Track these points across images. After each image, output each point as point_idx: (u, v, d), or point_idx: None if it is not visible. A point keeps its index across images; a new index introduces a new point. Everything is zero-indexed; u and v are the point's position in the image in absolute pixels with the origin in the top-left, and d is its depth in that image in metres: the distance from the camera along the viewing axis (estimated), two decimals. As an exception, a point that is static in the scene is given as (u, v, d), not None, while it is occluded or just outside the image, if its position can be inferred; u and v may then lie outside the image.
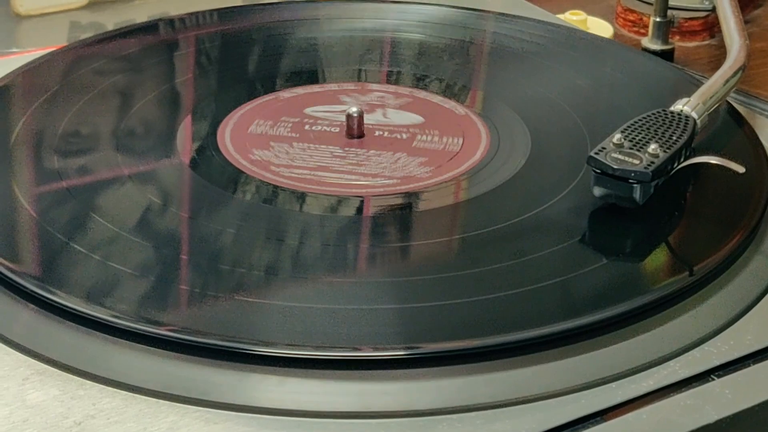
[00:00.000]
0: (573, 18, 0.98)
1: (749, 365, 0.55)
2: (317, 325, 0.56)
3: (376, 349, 0.54)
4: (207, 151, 0.72)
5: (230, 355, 0.54)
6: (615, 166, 0.63)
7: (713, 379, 0.54)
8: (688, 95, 0.72)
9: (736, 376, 0.55)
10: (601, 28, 0.99)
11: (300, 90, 0.81)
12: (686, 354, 0.56)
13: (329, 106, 0.78)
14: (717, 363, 0.55)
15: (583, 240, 0.63)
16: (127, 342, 0.54)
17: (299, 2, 0.99)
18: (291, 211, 0.67)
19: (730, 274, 0.61)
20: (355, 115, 0.74)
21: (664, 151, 0.65)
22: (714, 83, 0.73)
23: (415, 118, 0.77)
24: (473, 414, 0.52)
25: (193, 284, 0.59)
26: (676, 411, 0.52)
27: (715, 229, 0.65)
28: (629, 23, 1.02)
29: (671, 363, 0.55)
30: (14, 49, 0.90)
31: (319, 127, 0.75)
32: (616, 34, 1.00)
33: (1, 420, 0.50)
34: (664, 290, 0.58)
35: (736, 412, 0.52)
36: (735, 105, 0.77)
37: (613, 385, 0.53)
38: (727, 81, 0.74)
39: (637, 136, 0.66)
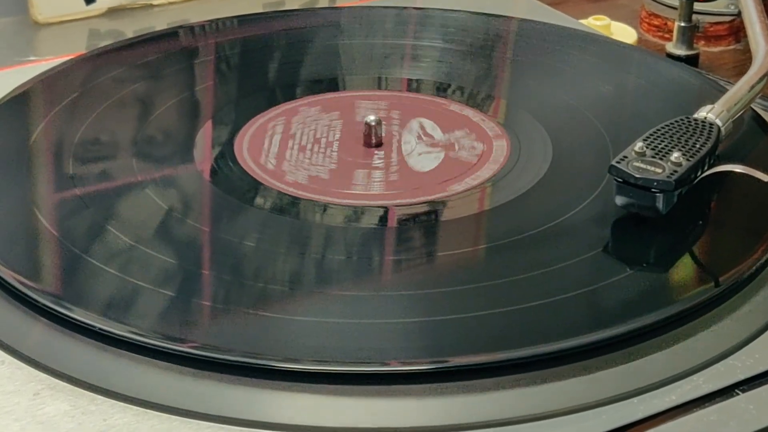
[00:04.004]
0: (596, 23, 0.97)
1: (775, 380, 0.54)
2: (340, 339, 0.55)
3: (403, 364, 0.54)
4: (225, 161, 0.71)
5: (250, 370, 0.53)
6: (637, 175, 0.62)
7: (738, 394, 0.53)
8: (713, 102, 0.71)
9: (762, 390, 0.53)
10: (624, 33, 0.98)
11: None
12: (710, 368, 0.54)
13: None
14: (742, 377, 0.54)
15: (606, 250, 0.62)
16: (140, 357, 0.54)
17: (320, 9, 0.98)
18: (312, 223, 0.66)
19: (755, 286, 0.60)
20: (373, 123, 0.73)
21: (687, 160, 0.64)
22: (739, 89, 0.72)
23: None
24: (492, 430, 0.51)
25: (211, 298, 0.58)
26: (700, 427, 0.51)
27: (740, 239, 0.64)
28: (654, 28, 1.01)
29: (695, 377, 0.54)
30: (33, 57, 0.90)
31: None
32: (640, 39, 1.00)
33: (12, 435, 0.50)
34: (688, 302, 0.58)
35: (762, 428, 0.51)
36: (760, 112, 0.76)
37: (635, 400, 0.52)
38: (752, 87, 0.73)
39: (659, 144, 0.65)
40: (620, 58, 0.86)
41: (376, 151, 0.73)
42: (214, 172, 0.70)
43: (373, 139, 0.73)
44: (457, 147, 0.73)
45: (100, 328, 0.55)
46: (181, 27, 0.91)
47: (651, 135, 0.66)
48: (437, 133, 0.73)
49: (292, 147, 0.73)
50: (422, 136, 0.73)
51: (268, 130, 0.75)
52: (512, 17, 0.92)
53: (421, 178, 0.70)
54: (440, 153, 0.72)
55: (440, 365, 0.54)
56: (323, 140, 0.74)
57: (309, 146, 0.73)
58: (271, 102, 0.80)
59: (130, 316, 0.56)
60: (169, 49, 0.87)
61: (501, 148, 0.73)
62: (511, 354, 0.54)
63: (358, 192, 0.68)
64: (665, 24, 1.00)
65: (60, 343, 0.55)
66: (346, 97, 0.80)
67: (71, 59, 0.84)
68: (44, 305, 0.56)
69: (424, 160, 0.72)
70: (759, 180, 0.63)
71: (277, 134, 0.74)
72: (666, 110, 0.74)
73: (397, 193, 0.68)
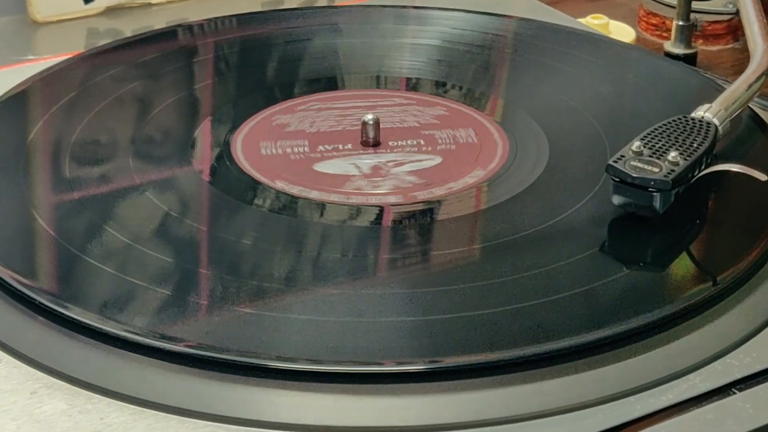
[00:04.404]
0: (594, 22, 0.97)
1: (772, 378, 0.54)
2: (335, 339, 0.55)
3: (398, 363, 0.54)
4: (222, 160, 0.71)
5: (246, 369, 0.53)
6: (634, 175, 0.62)
7: (735, 393, 0.53)
8: (711, 100, 0.71)
9: (759, 389, 0.53)
10: (623, 32, 0.98)
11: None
12: (707, 366, 0.54)
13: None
14: (739, 376, 0.54)
15: (602, 250, 0.62)
16: (137, 355, 0.54)
17: (318, 8, 0.98)
18: (308, 222, 0.66)
19: (752, 284, 0.60)
20: (371, 122, 0.73)
21: (685, 159, 0.64)
22: (737, 88, 0.72)
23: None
24: (488, 429, 0.51)
25: (207, 297, 0.58)
26: (697, 426, 0.51)
27: (738, 238, 0.64)
28: (652, 27, 1.01)
29: (691, 376, 0.54)
30: (31, 56, 0.90)
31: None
32: (638, 38, 0.99)
33: (9, 435, 0.50)
34: (685, 301, 0.58)
35: (758, 427, 0.51)
36: (758, 110, 0.76)
37: (632, 398, 0.52)
38: (750, 86, 0.73)
39: (656, 143, 0.65)
40: (618, 56, 0.86)
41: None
42: (211, 171, 0.70)
43: (370, 138, 0.73)
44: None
45: (97, 327, 0.55)
46: (179, 26, 0.91)
47: (648, 134, 0.66)
48: (399, 167, 0.72)
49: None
50: (385, 162, 0.73)
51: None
52: (511, 16, 0.92)
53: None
54: (347, 169, 0.71)
55: (436, 365, 0.53)
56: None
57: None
58: (270, 101, 0.80)
59: (127, 315, 0.56)
60: (168, 48, 0.87)
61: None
62: (508, 353, 0.54)
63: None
64: (663, 23, 1.00)
65: (57, 342, 0.55)
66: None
67: (69, 58, 0.84)
68: (41, 304, 0.56)
69: (331, 165, 0.71)
70: (756, 179, 0.63)
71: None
72: (664, 109, 0.74)
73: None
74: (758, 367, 0.54)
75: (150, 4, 0.99)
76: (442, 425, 0.51)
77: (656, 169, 0.63)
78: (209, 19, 0.91)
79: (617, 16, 1.00)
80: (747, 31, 0.81)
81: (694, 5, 0.93)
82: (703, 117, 0.69)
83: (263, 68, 0.85)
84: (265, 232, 0.64)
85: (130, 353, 0.54)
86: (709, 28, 0.99)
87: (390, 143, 0.73)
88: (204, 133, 0.75)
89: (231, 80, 0.84)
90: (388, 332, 0.56)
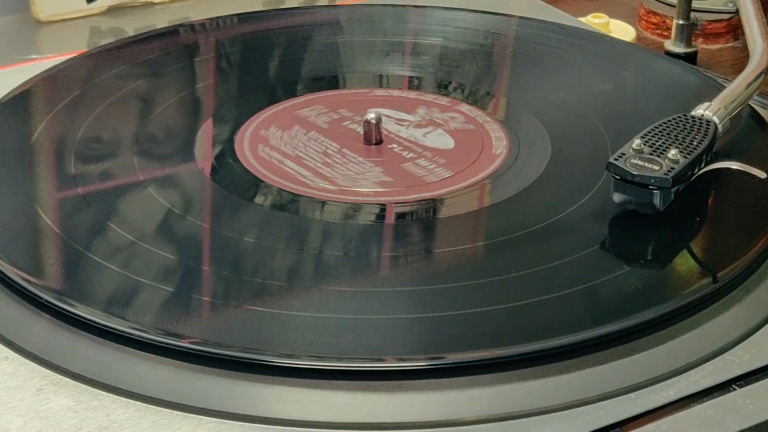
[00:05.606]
0: (595, 21, 0.97)
1: (772, 375, 0.55)
2: (338, 335, 0.55)
3: (400, 360, 0.54)
4: (225, 158, 0.71)
5: (249, 366, 0.53)
6: (634, 172, 0.63)
7: (735, 389, 0.53)
8: (711, 99, 0.71)
9: (759, 386, 0.54)
10: (623, 31, 0.99)
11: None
12: (707, 363, 0.55)
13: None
14: (739, 372, 0.54)
15: (603, 247, 0.63)
16: (143, 353, 0.54)
17: (320, 7, 0.99)
18: (311, 220, 0.66)
19: (752, 282, 0.60)
20: (373, 121, 0.73)
21: (685, 157, 0.64)
22: (736, 87, 0.73)
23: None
24: (491, 425, 0.51)
25: (211, 294, 0.58)
26: (697, 422, 0.51)
27: (738, 236, 0.64)
28: (652, 26, 1.01)
29: (692, 372, 0.54)
30: (34, 56, 0.90)
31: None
32: (638, 37, 1.00)
33: (15, 431, 0.50)
34: (685, 298, 0.58)
35: (758, 423, 0.51)
36: (758, 109, 0.76)
37: (633, 395, 0.53)
38: (749, 85, 0.73)
39: (657, 141, 0.65)
40: (619, 55, 0.86)
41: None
42: (214, 169, 0.71)
43: (372, 137, 0.73)
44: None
45: (102, 325, 0.55)
46: (181, 25, 0.91)
47: (649, 132, 0.66)
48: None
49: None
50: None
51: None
52: (512, 15, 0.93)
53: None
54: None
55: (438, 362, 0.54)
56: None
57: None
58: (272, 99, 0.80)
59: (132, 312, 0.56)
60: (170, 47, 0.87)
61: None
62: (509, 350, 0.54)
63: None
64: (664, 22, 1.00)
65: (63, 340, 0.55)
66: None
67: (73, 57, 0.84)
68: (47, 301, 0.57)
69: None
70: (756, 177, 0.63)
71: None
72: (664, 107, 0.74)
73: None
74: (758, 364, 0.55)
75: (152, 4, 1.00)
76: (443, 421, 0.51)
77: (656, 167, 0.63)
78: (211, 19, 0.91)
79: (618, 15, 1.01)
80: (746, 30, 0.81)
81: (694, 4, 0.93)
82: (702, 115, 0.69)
83: (265, 67, 0.86)
84: (269, 230, 0.65)
85: (135, 350, 0.54)
86: (709, 26, 0.99)
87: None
88: (207, 132, 0.75)
89: (233, 79, 0.84)
90: (390, 329, 0.56)
